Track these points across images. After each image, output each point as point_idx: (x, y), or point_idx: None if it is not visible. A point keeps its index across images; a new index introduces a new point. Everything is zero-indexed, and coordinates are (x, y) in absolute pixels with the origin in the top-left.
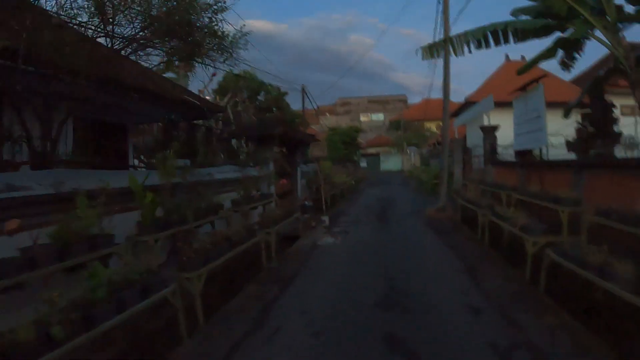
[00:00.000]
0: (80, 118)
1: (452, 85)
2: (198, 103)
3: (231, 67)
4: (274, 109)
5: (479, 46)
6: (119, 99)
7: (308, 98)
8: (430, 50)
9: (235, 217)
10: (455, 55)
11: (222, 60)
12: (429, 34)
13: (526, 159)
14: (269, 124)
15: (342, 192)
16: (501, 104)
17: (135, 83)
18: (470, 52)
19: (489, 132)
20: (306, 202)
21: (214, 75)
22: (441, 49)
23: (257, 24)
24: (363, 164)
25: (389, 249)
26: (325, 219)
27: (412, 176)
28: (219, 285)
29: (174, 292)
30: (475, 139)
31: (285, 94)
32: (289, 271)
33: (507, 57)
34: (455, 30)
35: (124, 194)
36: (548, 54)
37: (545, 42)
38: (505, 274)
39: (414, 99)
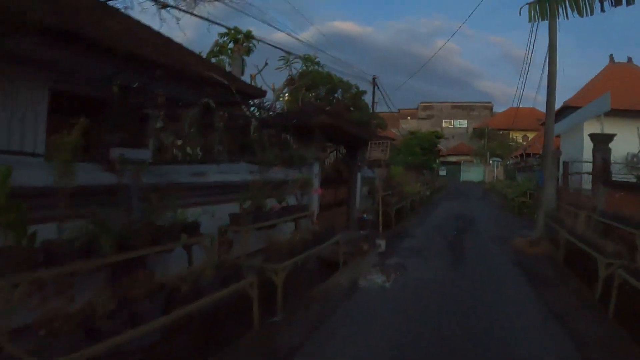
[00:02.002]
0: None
1: (531, 94)
2: (223, 81)
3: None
4: (352, 108)
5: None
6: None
7: (379, 91)
8: (541, 9)
9: (235, 239)
10: (580, 14)
11: None
12: (517, 42)
13: None
14: (307, 112)
15: (412, 205)
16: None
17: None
18: (603, 10)
19: (602, 142)
20: (364, 216)
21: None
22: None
23: (344, 26)
24: (442, 172)
25: (460, 310)
26: (382, 243)
27: (494, 190)
28: None
29: None
30: (571, 151)
31: (364, 92)
32: (293, 336)
33: (611, 58)
34: None
35: None
36: None
37: None
38: None
39: (500, 109)
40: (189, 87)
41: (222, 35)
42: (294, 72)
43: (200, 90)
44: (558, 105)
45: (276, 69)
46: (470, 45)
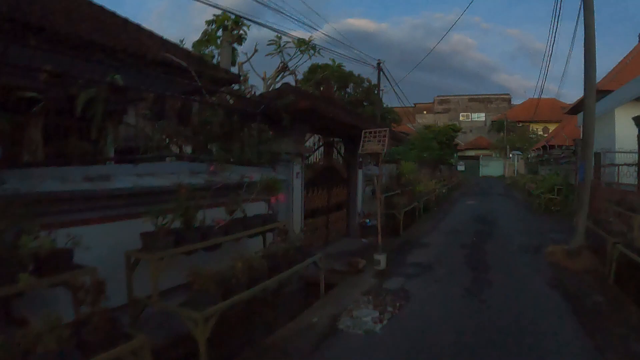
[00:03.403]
0: None
1: (552, 87)
2: (181, 63)
3: None
4: (365, 103)
5: None
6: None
7: (386, 77)
8: None
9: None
10: None
11: None
12: (534, 34)
13: None
14: (283, 96)
15: (426, 205)
16: None
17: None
18: None
19: None
20: (367, 221)
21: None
22: None
23: (359, 23)
24: (461, 167)
25: None
26: (381, 258)
27: (516, 185)
28: None
29: None
30: (601, 141)
31: (377, 86)
32: None
33: None
34: None
35: None
36: None
37: None
38: None
39: (518, 102)
40: (140, 71)
41: (209, 22)
42: (287, 57)
43: (154, 75)
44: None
45: (267, 55)
46: (486, 38)
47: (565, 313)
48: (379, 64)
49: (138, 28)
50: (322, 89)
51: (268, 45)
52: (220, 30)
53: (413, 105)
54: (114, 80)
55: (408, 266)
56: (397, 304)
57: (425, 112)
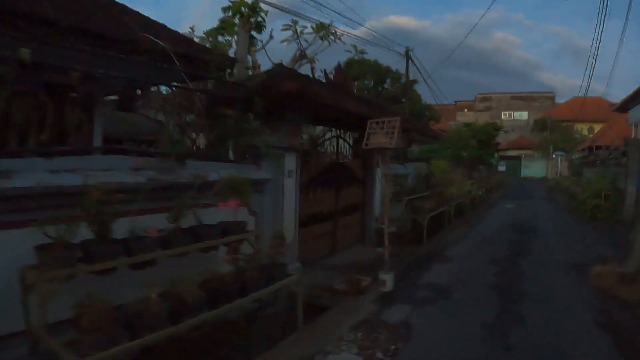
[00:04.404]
0: None
1: (597, 87)
2: (159, 42)
3: None
4: (403, 100)
5: None
6: None
7: (415, 66)
8: None
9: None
10: None
11: None
12: (579, 31)
13: None
14: (268, 78)
15: (459, 208)
16: None
17: None
18: None
19: None
20: (383, 227)
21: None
22: None
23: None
24: (502, 167)
25: None
26: (386, 278)
27: (559, 188)
28: None
29: None
30: None
31: (415, 82)
32: None
33: None
34: None
35: None
36: None
37: None
38: None
39: (562, 101)
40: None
41: (225, 9)
42: (305, 44)
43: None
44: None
45: (282, 41)
46: (530, 36)
47: None
48: (407, 51)
49: (124, 9)
50: (333, 73)
51: (282, 30)
52: (238, 17)
53: (454, 103)
54: (21, 56)
55: (421, 288)
56: (392, 347)
57: (466, 110)
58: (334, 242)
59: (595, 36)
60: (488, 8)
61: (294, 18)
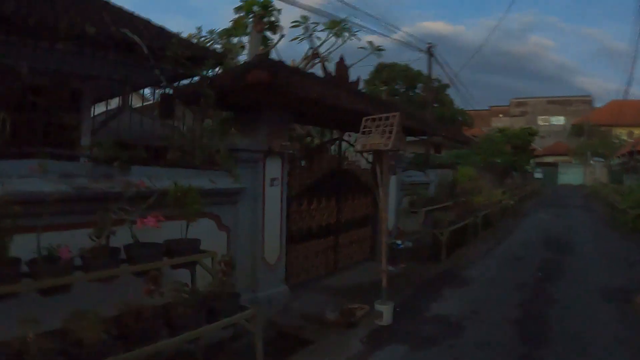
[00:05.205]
0: None
1: (636, 91)
2: (133, 37)
3: None
4: (435, 105)
5: None
6: None
7: (439, 64)
8: None
9: None
10: None
11: None
12: (615, 33)
13: None
14: (243, 71)
15: (485, 220)
16: None
17: None
18: None
19: None
20: (398, 243)
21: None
22: None
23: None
24: (538, 174)
25: None
26: (383, 310)
27: (597, 196)
28: None
29: None
30: None
31: (447, 86)
32: None
33: None
34: None
35: None
36: None
37: None
38: None
39: (600, 105)
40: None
41: (237, 9)
42: (317, 42)
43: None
44: None
45: (292, 39)
46: (564, 39)
47: None
48: (429, 48)
49: (104, 4)
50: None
51: (292, 27)
52: (250, 17)
53: (488, 108)
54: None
55: (426, 322)
56: None
57: (501, 115)
58: (335, 259)
59: (634, 38)
60: (507, 10)
61: (304, 14)
